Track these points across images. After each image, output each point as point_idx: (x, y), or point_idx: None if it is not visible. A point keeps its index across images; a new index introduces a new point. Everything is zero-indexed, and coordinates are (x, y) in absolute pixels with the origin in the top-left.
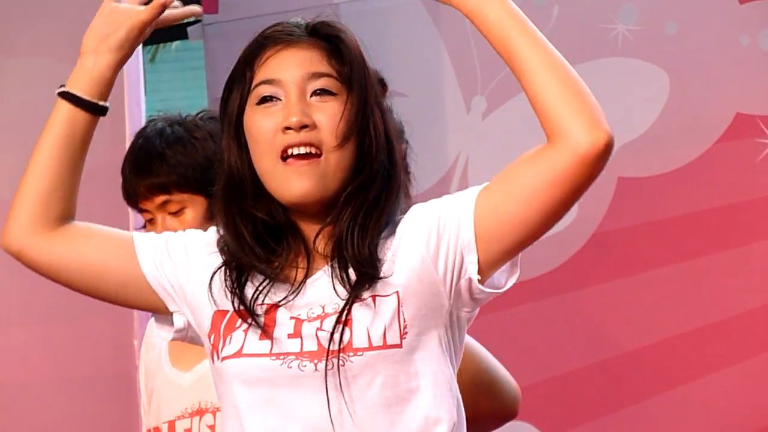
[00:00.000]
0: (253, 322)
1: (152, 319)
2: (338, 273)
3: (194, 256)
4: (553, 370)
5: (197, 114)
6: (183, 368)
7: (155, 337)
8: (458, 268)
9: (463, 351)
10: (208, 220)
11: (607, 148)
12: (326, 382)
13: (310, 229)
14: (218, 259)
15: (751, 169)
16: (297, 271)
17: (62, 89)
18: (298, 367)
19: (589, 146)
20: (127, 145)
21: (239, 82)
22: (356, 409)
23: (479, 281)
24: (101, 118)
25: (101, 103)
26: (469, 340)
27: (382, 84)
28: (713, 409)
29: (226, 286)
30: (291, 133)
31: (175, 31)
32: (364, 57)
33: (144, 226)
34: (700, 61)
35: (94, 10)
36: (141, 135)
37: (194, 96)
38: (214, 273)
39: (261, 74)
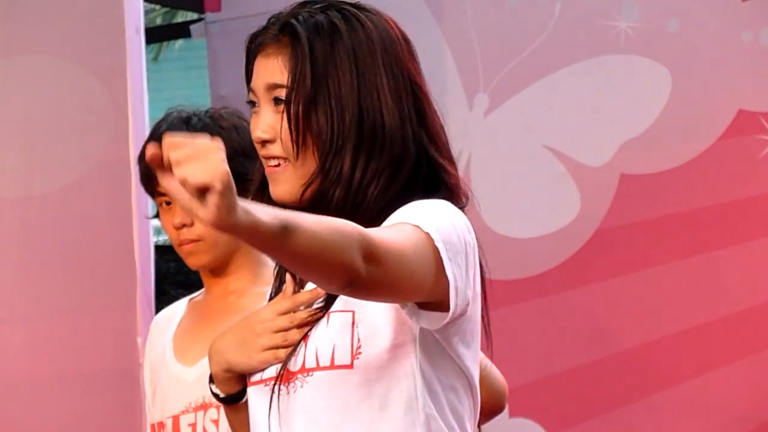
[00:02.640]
0: None
1: (156, 316)
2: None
3: None
4: (556, 366)
5: (221, 108)
6: (188, 363)
7: (161, 333)
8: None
9: None
10: None
11: None
12: (270, 411)
13: None
14: None
15: (754, 165)
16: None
17: (229, 404)
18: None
19: None
20: (131, 142)
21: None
22: None
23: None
24: (106, 117)
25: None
26: None
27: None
28: (716, 405)
29: None
30: (259, 146)
31: (178, 29)
32: (337, 45)
33: (157, 215)
34: (702, 58)
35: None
36: (163, 122)
37: (197, 94)
38: None
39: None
